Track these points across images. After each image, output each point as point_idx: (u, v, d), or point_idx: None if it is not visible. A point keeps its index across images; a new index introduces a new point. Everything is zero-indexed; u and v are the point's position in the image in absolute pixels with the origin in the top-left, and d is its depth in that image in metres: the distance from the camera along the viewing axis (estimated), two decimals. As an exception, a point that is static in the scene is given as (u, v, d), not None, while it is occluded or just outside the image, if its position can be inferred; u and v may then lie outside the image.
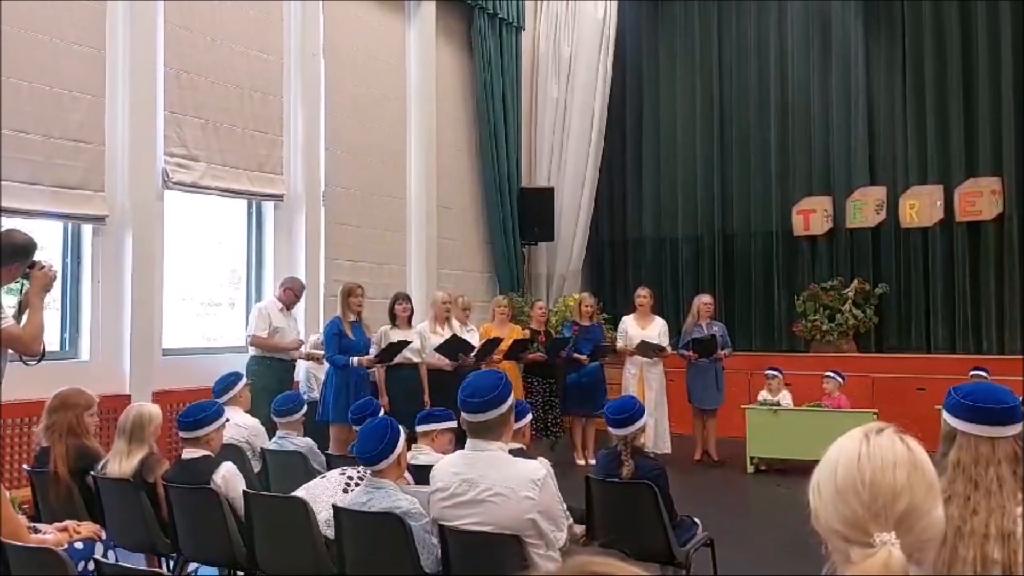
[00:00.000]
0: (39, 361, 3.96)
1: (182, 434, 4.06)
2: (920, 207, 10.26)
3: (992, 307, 9.94)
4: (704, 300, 8.83)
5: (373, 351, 7.15)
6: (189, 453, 4.02)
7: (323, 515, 3.50)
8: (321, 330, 7.65)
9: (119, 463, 4.03)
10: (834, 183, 10.92)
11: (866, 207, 10.59)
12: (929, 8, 10.37)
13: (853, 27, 10.85)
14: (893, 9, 10.61)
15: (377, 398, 6.58)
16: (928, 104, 10.34)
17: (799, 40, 11.26)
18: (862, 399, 8.65)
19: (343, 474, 3.86)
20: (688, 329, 8.74)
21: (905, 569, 1.34)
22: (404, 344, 7.12)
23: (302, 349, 7.53)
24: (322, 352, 7.35)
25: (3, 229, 4.29)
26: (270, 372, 7.07)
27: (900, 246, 10.54)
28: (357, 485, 3.67)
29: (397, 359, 7.15)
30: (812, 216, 10.94)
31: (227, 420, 4.33)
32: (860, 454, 1.43)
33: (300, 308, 8.20)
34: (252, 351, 7.28)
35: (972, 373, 7.18)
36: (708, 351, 8.42)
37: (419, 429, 4.44)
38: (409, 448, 3.92)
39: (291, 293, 7.45)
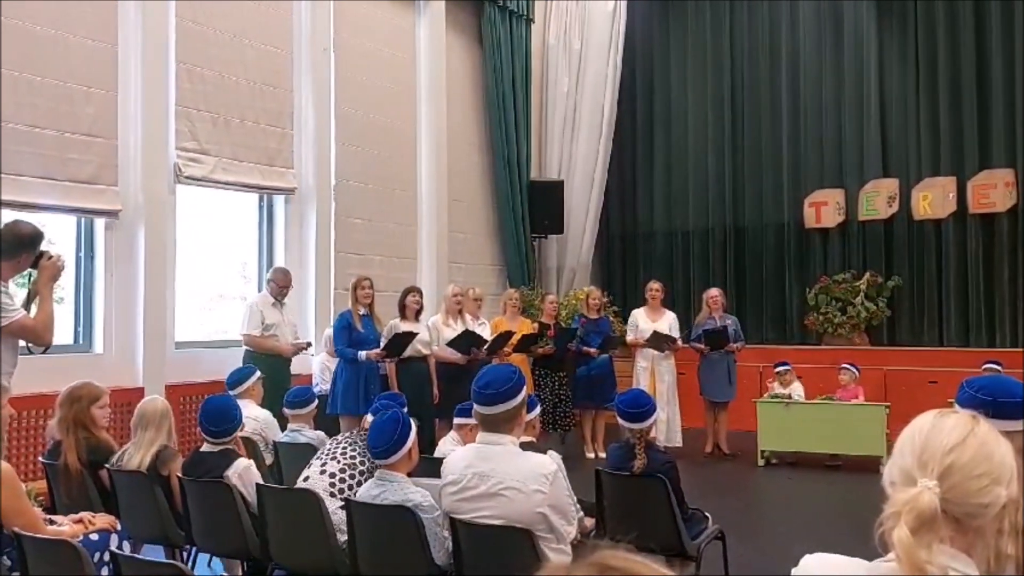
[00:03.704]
0: (44, 351, 3.99)
1: (208, 439, 4.05)
2: (933, 199, 10.20)
3: (1006, 300, 9.88)
4: (711, 294, 8.78)
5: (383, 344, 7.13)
6: (209, 447, 4.03)
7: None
8: (331, 324, 7.64)
9: (137, 455, 4.06)
10: (846, 175, 10.87)
11: (878, 199, 10.54)
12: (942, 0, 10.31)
13: (866, 18, 10.78)
14: (906, 1, 10.53)
15: (389, 391, 6.58)
16: (941, 95, 10.28)
17: (811, 32, 11.19)
18: (874, 392, 8.62)
19: (336, 445, 3.96)
20: (701, 322, 8.71)
21: (934, 513, 1.34)
22: (411, 336, 7.07)
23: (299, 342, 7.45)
24: (306, 342, 7.34)
25: (9, 221, 4.30)
26: (264, 365, 6.93)
27: (913, 238, 10.48)
28: (343, 452, 3.84)
29: (408, 351, 7.11)
30: (824, 208, 10.89)
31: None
32: (928, 421, 1.48)
33: (310, 301, 8.23)
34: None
35: (985, 366, 7.14)
36: (718, 343, 8.40)
37: (457, 421, 4.46)
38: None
39: (274, 285, 7.21)
